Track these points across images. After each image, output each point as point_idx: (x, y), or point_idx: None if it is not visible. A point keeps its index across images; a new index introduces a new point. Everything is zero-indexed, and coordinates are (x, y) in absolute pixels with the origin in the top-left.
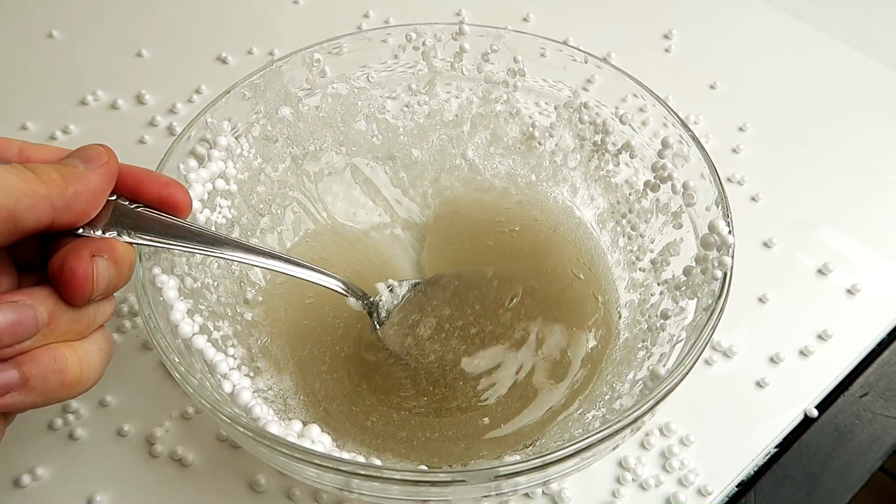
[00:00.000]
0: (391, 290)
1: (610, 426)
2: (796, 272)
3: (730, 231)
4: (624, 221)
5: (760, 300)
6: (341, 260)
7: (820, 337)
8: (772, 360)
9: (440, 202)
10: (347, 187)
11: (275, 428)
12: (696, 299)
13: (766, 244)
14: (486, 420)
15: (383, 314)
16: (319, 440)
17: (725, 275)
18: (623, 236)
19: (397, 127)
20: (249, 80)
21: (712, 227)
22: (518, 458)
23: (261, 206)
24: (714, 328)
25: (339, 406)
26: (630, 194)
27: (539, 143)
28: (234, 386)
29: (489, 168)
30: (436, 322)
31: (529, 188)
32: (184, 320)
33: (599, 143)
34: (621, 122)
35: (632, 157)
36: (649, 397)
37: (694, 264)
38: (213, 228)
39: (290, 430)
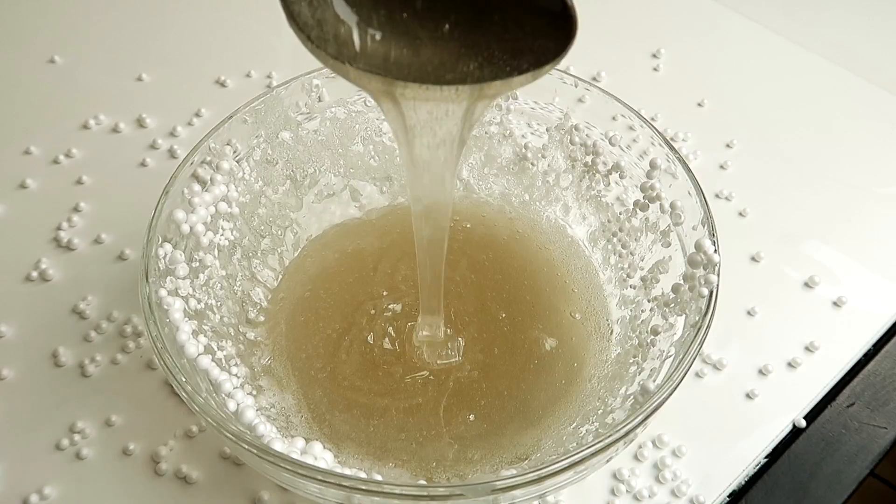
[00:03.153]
0: None
1: (602, 440)
2: (783, 285)
3: (715, 250)
4: (615, 240)
5: (749, 313)
6: (351, 261)
7: (807, 349)
8: (760, 371)
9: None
10: (345, 207)
11: (279, 445)
12: (684, 316)
13: (753, 258)
14: (472, 417)
15: None
16: (322, 457)
17: (711, 292)
18: (614, 254)
19: (394, 149)
20: (251, 105)
21: (699, 246)
22: (514, 471)
23: (262, 227)
24: (701, 344)
25: (342, 415)
26: (620, 213)
27: (532, 164)
28: (238, 404)
29: (484, 188)
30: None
31: (523, 207)
32: (189, 341)
33: (590, 163)
34: (611, 143)
35: (621, 177)
36: (640, 412)
37: (682, 282)
38: (217, 252)
39: (294, 448)
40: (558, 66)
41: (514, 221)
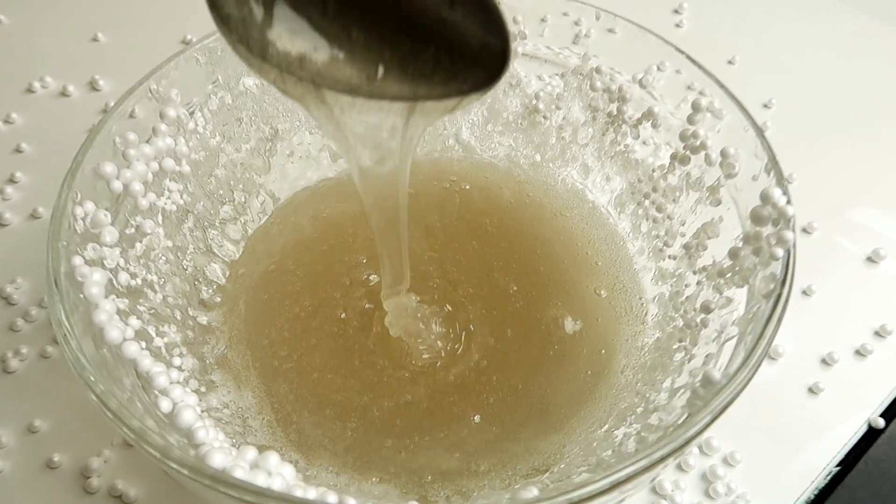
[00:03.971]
0: None
1: (659, 448)
2: (842, 260)
3: (788, 200)
4: (647, 203)
5: (805, 293)
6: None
7: (877, 333)
8: (824, 361)
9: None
10: (324, 171)
11: (218, 458)
12: (746, 286)
13: (805, 230)
14: (478, 418)
15: None
16: (279, 472)
17: (789, 252)
18: (647, 220)
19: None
20: (203, 42)
21: (765, 198)
22: (536, 491)
23: (220, 192)
24: (780, 319)
25: (312, 416)
26: (654, 171)
27: (544, 118)
28: (174, 404)
29: (487, 149)
30: None
31: (534, 169)
32: (111, 322)
33: (615, 113)
34: (641, 86)
35: (654, 126)
36: (706, 410)
37: (741, 245)
38: (160, 217)
39: (241, 461)
40: None
41: (524, 185)
